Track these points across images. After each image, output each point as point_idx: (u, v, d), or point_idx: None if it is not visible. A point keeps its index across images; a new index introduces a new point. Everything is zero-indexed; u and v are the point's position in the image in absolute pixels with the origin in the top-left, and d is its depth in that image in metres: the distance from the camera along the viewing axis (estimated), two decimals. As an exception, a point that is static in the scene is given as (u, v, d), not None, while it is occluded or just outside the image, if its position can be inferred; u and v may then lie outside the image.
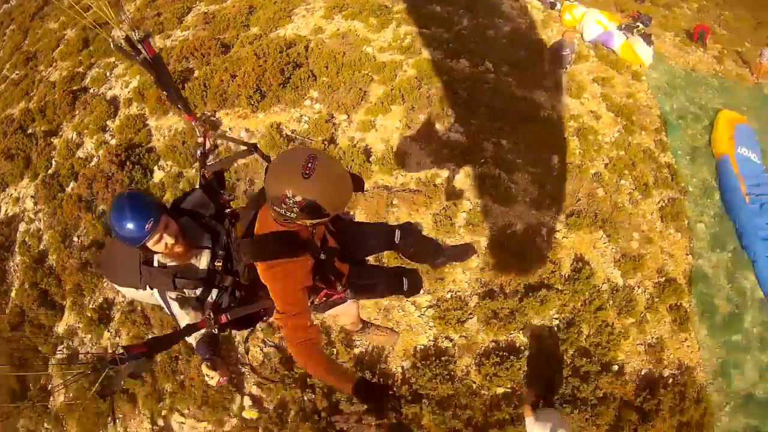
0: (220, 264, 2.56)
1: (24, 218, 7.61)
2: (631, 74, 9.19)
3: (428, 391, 5.33)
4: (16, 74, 11.11)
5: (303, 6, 9.79)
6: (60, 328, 6.74)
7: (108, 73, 9.43)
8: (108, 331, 6.42)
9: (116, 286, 2.72)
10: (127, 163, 7.30)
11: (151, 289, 2.55)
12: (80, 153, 8.13)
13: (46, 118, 8.84)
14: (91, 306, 6.60)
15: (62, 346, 6.59)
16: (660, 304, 6.33)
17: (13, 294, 7.17)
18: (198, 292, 2.54)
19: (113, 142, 7.93)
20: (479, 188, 6.60)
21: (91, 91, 9.21)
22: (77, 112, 8.90)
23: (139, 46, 2.39)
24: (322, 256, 2.50)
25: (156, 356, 2.47)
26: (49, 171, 7.98)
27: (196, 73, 8.37)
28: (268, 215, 2.34)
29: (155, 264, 2.54)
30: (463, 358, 5.57)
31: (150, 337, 2.67)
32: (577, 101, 8.39)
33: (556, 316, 5.94)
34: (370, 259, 3.72)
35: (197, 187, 2.81)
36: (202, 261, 2.58)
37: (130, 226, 2.26)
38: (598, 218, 6.65)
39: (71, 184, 7.63)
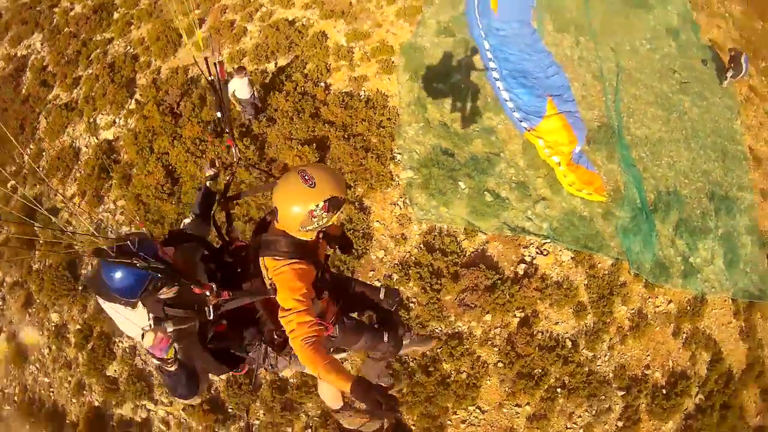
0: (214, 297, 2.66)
1: (33, 52, 12.55)
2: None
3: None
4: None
5: None
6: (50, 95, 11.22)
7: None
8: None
9: (103, 302, 2.72)
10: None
11: (143, 307, 2.64)
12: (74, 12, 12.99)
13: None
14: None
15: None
16: (373, 58, 9.49)
17: (23, 90, 12.04)
18: (190, 324, 2.69)
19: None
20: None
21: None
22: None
23: (215, 68, 2.78)
24: (320, 274, 2.79)
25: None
26: (52, 25, 12.72)
27: None
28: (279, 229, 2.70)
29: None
30: None
31: None
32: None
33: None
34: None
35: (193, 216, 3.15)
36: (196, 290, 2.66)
37: (122, 292, 2.48)
38: (344, 14, 10.06)
39: (66, 29, 12.43)
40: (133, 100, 10.10)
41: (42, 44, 12.36)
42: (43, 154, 10.65)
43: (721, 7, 13.71)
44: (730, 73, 11.50)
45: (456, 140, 8.65)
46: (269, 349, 3.15)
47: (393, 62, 9.40)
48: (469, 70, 9.54)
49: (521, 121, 8.97)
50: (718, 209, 9.90)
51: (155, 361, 2.67)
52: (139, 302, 2.60)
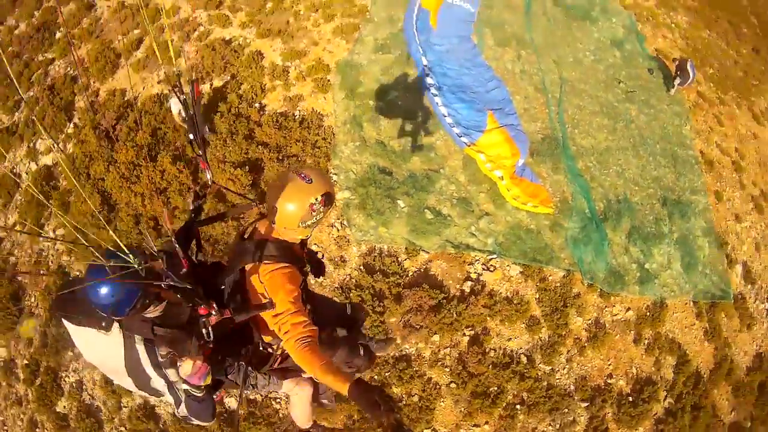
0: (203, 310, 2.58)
1: None
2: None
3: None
4: None
5: None
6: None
7: None
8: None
9: (71, 327, 2.50)
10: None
11: (126, 331, 2.47)
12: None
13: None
14: None
15: None
16: (308, 76, 9.28)
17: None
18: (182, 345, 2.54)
19: None
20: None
21: None
22: None
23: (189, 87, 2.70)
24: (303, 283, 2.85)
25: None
26: None
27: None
28: (266, 227, 2.79)
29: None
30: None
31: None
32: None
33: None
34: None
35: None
36: (185, 313, 2.63)
37: (110, 311, 2.29)
38: (281, 33, 9.90)
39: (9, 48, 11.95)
40: (72, 124, 9.67)
41: None
42: None
43: (666, 18, 14.12)
44: (677, 81, 11.63)
45: (393, 158, 8.40)
46: (249, 369, 3.13)
47: (329, 81, 9.21)
48: (406, 87, 9.38)
49: (461, 137, 8.80)
50: (671, 214, 9.87)
51: (183, 386, 2.60)
52: (114, 327, 2.43)
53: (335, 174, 8.20)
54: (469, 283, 7.60)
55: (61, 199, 8.75)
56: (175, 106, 8.49)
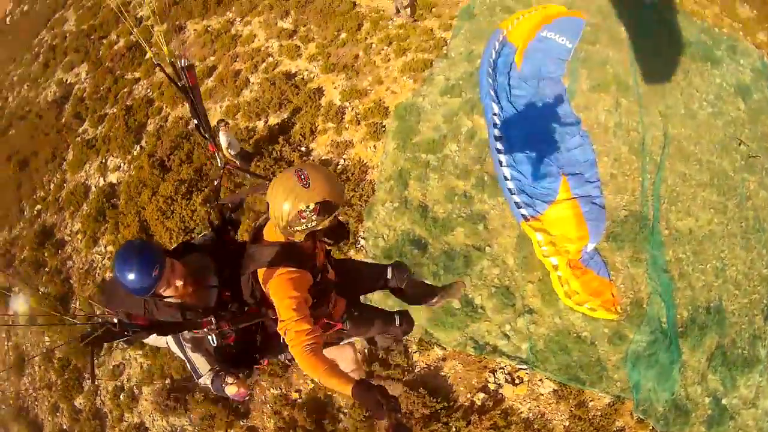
0: (228, 295, 2.84)
1: (79, 82, 13.59)
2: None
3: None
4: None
5: None
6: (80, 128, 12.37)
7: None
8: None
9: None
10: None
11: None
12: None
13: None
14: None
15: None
16: (363, 120, 8.78)
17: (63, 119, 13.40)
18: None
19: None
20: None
21: None
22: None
23: (183, 74, 2.80)
24: (319, 278, 2.85)
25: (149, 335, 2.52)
26: (97, 57, 13.68)
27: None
28: (273, 229, 2.75)
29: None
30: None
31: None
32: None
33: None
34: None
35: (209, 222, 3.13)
36: (212, 297, 2.85)
37: (137, 276, 2.49)
38: (346, 68, 9.48)
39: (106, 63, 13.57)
40: (139, 146, 10.53)
41: (86, 75, 13.48)
42: (65, 185, 11.57)
43: None
44: None
45: (432, 228, 7.56)
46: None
47: (383, 127, 8.62)
48: (468, 140, 8.39)
49: (521, 207, 7.55)
50: None
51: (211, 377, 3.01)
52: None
53: (363, 238, 7.69)
54: (483, 395, 6.60)
55: (116, 218, 9.58)
56: (224, 138, 8.70)
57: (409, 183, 8.07)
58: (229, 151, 8.24)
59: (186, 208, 8.34)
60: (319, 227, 2.62)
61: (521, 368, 6.77)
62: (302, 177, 2.48)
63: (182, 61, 2.90)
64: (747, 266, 7.94)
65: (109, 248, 9.44)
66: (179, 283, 2.68)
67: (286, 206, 2.50)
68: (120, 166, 10.52)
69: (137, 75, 12.03)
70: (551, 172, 7.96)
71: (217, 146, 3.17)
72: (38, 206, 11.73)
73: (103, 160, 10.92)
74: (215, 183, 3.23)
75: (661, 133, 8.80)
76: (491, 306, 7.08)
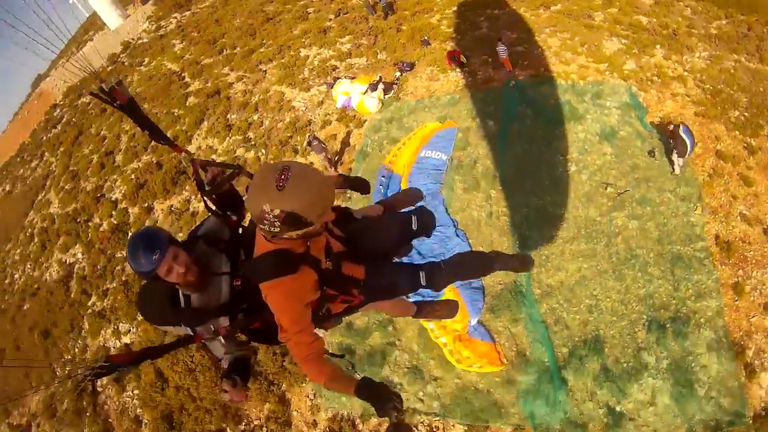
0: (239, 284, 2.99)
1: (77, 261, 16.93)
2: (356, 124, 14.55)
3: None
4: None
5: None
6: (89, 302, 15.67)
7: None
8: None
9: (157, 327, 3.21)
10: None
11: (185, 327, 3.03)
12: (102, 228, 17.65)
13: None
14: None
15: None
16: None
17: (72, 295, 16.72)
18: (223, 321, 2.97)
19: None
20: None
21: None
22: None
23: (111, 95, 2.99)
24: (328, 265, 2.87)
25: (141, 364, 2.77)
26: (88, 239, 17.10)
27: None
28: (261, 236, 2.68)
29: (181, 298, 3.03)
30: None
31: (142, 348, 3.06)
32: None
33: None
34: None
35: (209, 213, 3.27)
36: (224, 287, 3.01)
37: (139, 260, 2.79)
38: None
39: (97, 244, 17.02)
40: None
41: (82, 255, 16.52)
42: (87, 349, 14.50)
43: (677, 68, 13.04)
44: (674, 155, 10.50)
45: (356, 337, 10.50)
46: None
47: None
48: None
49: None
50: (660, 338, 9.31)
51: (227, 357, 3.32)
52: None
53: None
54: (409, 446, 9.47)
55: (137, 371, 12.61)
56: (318, 150, 11.72)
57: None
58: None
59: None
60: (285, 236, 2.50)
61: (435, 419, 9.48)
62: (281, 177, 2.36)
63: (103, 85, 3.01)
64: (622, 294, 9.52)
65: (136, 391, 12.11)
66: (181, 270, 2.84)
67: (252, 201, 2.42)
68: (130, 330, 13.44)
69: (124, 253, 15.19)
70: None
71: (178, 147, 3.37)
72: (68, 367, 14.47)
73: (116, 327, 13.83)
74: (193, 179, 3.24)
75: (528, 209, 10.90)
76: (406, 381, 9.87)
